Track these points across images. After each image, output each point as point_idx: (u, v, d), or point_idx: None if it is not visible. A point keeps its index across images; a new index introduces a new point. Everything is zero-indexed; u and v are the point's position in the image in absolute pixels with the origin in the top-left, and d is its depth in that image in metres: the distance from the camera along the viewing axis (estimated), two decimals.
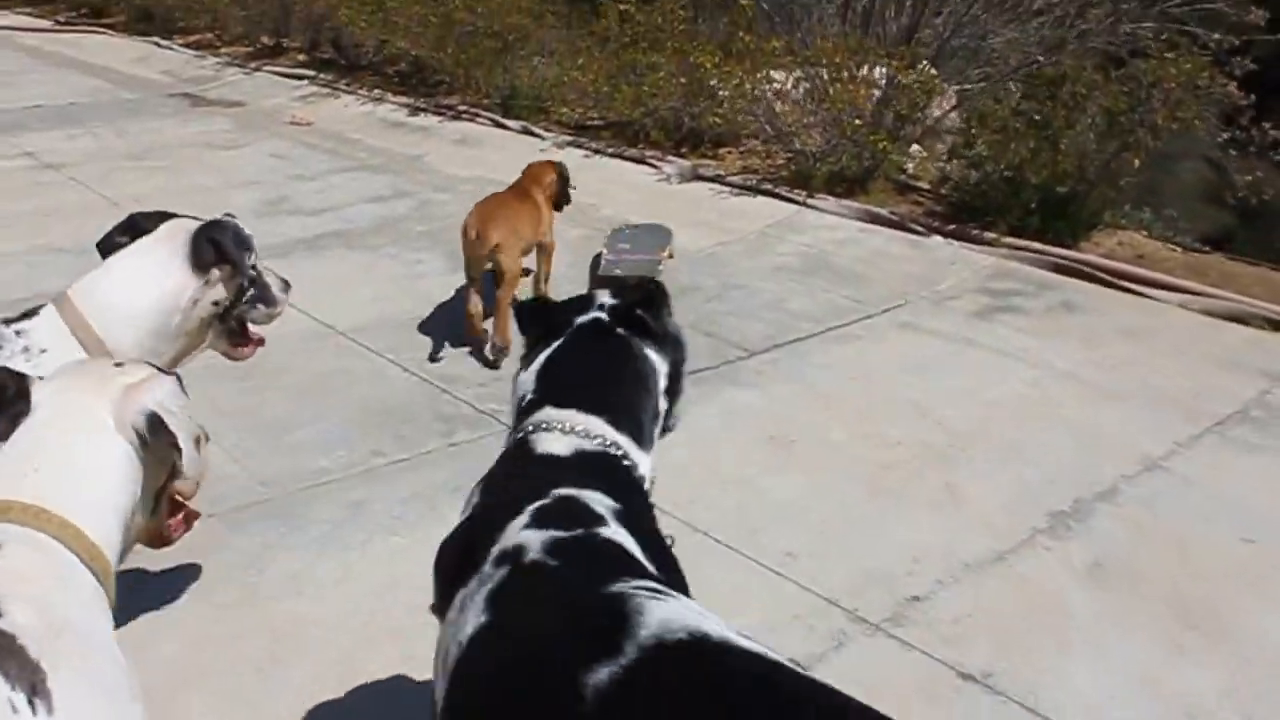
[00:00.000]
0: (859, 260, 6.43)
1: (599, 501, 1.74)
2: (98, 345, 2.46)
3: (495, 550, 1.63)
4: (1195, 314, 5.66)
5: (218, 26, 13.94)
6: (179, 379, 1.91)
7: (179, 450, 1.75)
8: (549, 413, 1.95)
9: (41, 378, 1.77)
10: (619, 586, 1.45)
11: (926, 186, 7.40)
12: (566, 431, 1.90)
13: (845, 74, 7.10)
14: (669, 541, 1.84)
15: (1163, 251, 6.48)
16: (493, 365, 5.07)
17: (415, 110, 10.14)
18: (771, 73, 8.12)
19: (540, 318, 2.16)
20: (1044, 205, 6.51)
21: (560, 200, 5.75)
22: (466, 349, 5.25)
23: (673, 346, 2.16)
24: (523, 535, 1.62)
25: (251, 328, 3.05)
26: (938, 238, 6.66)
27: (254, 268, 2.90)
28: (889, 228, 6.83)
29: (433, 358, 5.15)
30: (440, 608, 1.74)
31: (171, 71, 12.80)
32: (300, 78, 11.71)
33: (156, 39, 14.53)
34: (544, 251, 5.62)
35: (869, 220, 6.90)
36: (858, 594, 3.51)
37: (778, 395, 4.92)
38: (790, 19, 9.67)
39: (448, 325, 5.54)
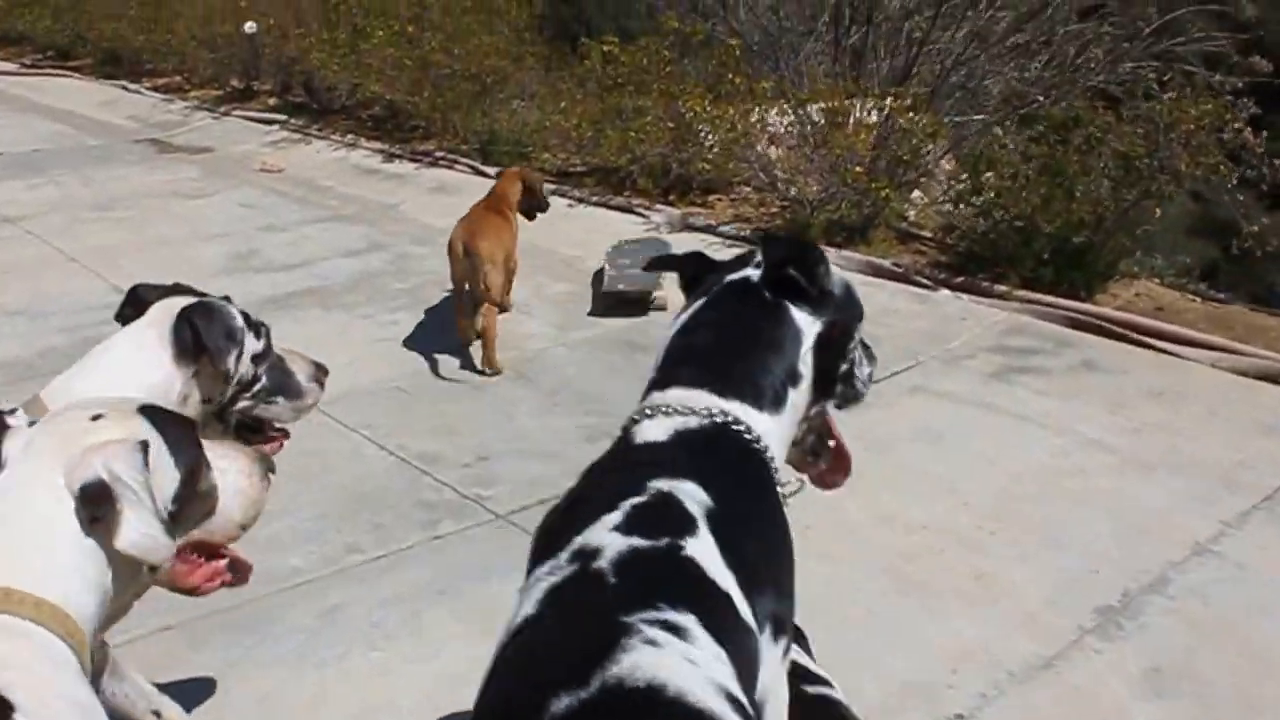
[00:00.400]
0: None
1: (694, 499, 1.68)
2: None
3: (577, 542, 1.60)
4: (1226, 373, 5.33)
5: (186, 69, 13.56)
6: (194, 425, 1.82)
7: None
8: (654, 398, 1.91)
9: (32, 422, 1.68)
10: (637, 618, 1.43)
11: (929, 235, 7.09)
12: (669, 414, 1.85)
13: (842, 118, 6.79)
14: (785, 503, 1.90)
15: (1181, 302, 6.17)
16: (482, 372, 5.37)
17: (390, 156, 9.78)
18: (765, 112, 7.82)
19: (696, 275, 2.11)
20: (1057, 255, 6.19)
21: (532, 210, 5.84)
22: (447, 422, 4.87)
23: (836, 307, 2.08)
24: (606, 537, 1.59)
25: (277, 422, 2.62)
26: (946, 291, 6.33)
27: (262, 356, 2.51)
28: (894, 280, 6.49)
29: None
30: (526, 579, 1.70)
31: (138, 116, 12.42)
32: (271, 122, 11.34)
33: (124, 82, 14.14)
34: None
35: (872, 273, 6.56)
36: (896, 713, 3.13)
37: (787, 471, 4.54)
38: (778, 58, 9.39)
39: (429, 394, 5.16)
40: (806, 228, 7.07)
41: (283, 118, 11.34)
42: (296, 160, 9.96)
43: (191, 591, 1.93)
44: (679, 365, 1.95)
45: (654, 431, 1.83)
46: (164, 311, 2.32)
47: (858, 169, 6.67)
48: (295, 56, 11.44)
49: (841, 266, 6.64)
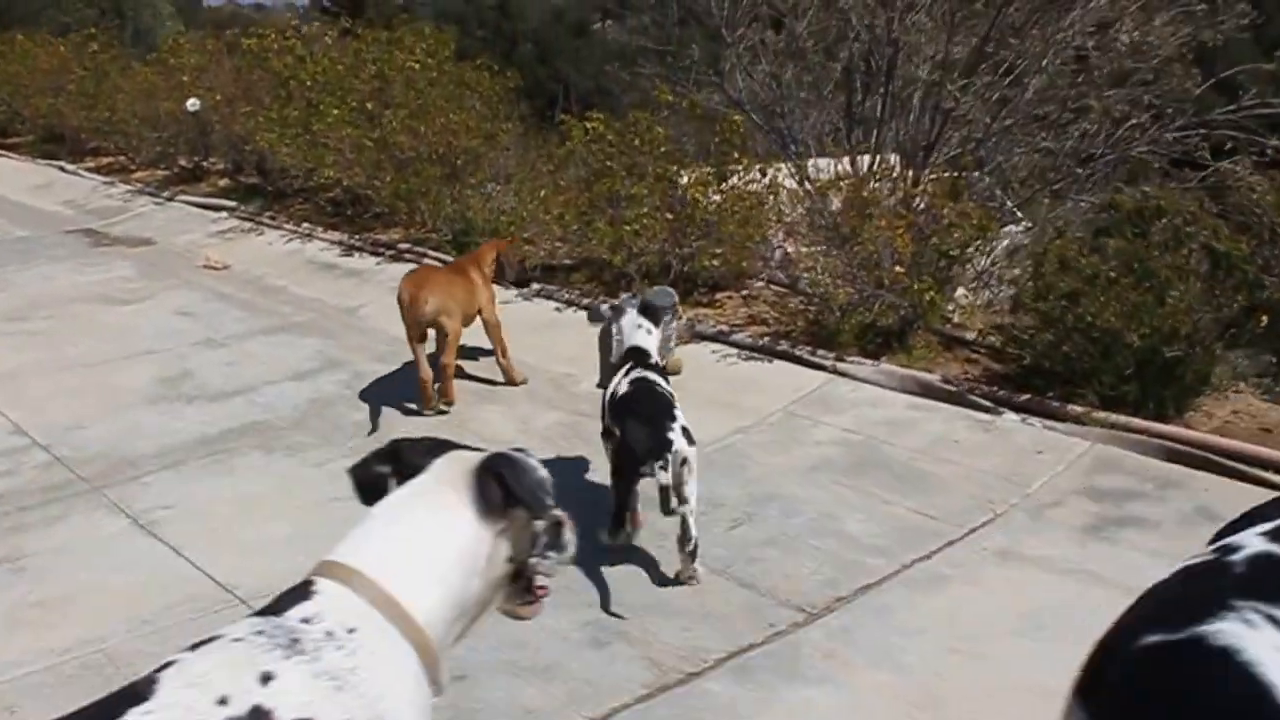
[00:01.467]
0: (919, 452, 5.04)
1: None
2: (404, 619, 1.83)
3: (1227, 539, 1.76)
4: None
5: (131, 149, 12.48)
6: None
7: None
8: None
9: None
10: (1246, 603, 1.56)
11: (977, 339, 6.08)
12: None
13: (874, 207, 5.80)
14: None
15: None
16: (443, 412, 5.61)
17: (349, 249, 8.72)
18: (777, 198, 6.83)
19: None
20: (1143, 370, 5.19)
21: (501, 273, 6.12)
22: None
23: None
24: (1250, 539, 1.71)
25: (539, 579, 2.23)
26: (1011, 415, 5.31)
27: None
28: (946, 402, 5.47)
29: None
30: None
31: (75, 201, 11.34)
32: (219, 209, 10.28)
33: (63, 163, 13.06)
34: (490, 328, 5.95)
35: (919, 391, 5.54)
36: None
37: (862, 691, 3.48)
38: (782, 130, 8.43)
39: None
40: (835, 334, 6.06)
41: (232, 204, 10.28)
42: (245, 254, 8.89)
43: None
44: None
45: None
46: (454, 464, 2.05)
47: (898, 269, 5.67)
48: (245, 135, 10.39)
49: (881, 383, 5.65)
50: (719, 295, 7.10)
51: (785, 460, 5.04)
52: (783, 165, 7.03)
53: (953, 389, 5.52)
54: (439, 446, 2.14)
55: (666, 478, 3.86)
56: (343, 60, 9.77)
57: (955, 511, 4.54)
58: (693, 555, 4.00)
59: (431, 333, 5.74)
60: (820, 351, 6.03)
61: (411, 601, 1.83)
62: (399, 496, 2.04)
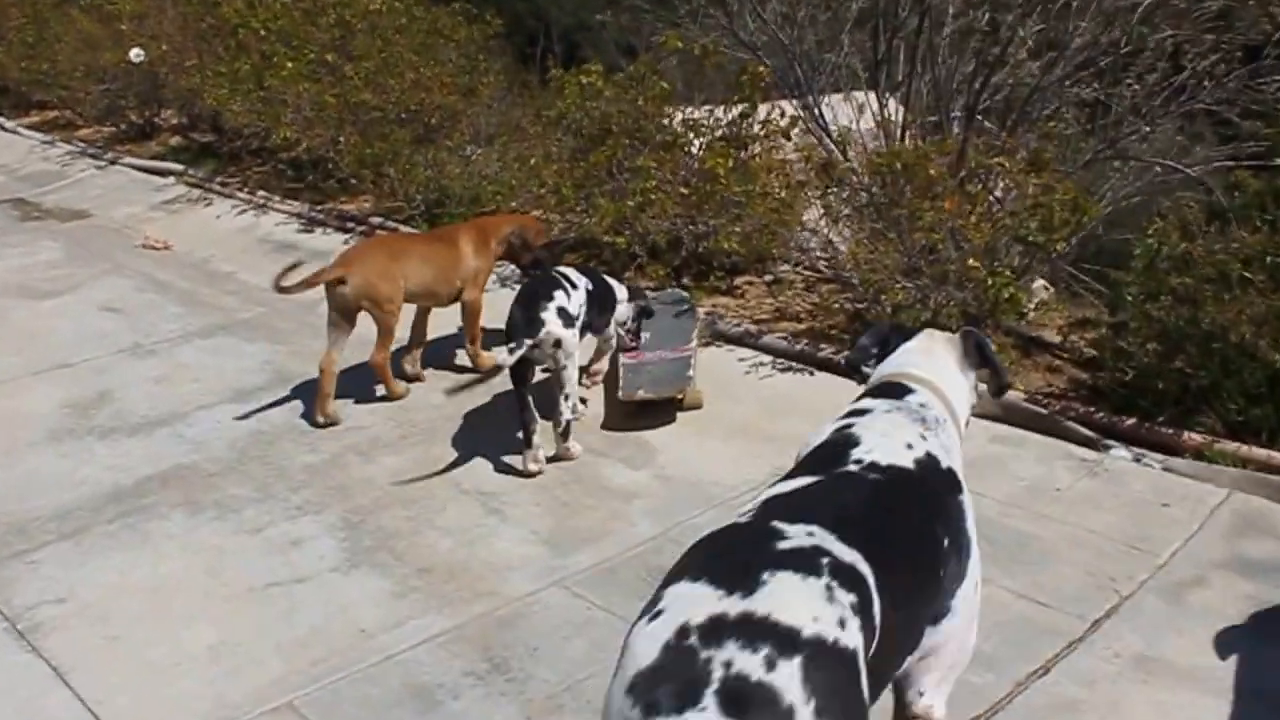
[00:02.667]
0: (1012, 505, 4.00)
1: None
2: (957, 422, 2.51)
3: None
4: None
5: (76, 103, 11.24)
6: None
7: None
8: None
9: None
10: None
11: (1057, 339, 5.03)
12: None
13: (943, 186, 4.69)
14: None
15: None
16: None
17: (310, 223, 7.61)
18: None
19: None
20: (1277, 389, 4.15)
21: (514, 255, 5.18)
22: None
23: None
24: None
25: None
26: (1119, 449, 4.27)
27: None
28: (1035, 430, 4.43)
29: None
30: None
31: (7, 166, 10.13)
32: (167, 173, 9.10)
33: (2, 119, 11.81)
34: (467, 309, 5.16)
35: (1000, 415, 4.49)
36: None
37: None
38: (799, 83, 7.24)
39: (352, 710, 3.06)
40: None
41: (180, 168, 9.10)
42: (191, 230, 7.76)
43: None
44: None
45: None
46: (935, 335, 2.69)
47: (971, 262, 4.58)
48: (195, 90, 9.18)
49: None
50: (739, 281, 6.02)
51: None
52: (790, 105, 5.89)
53: (1040, 411, 4.47)
54: (900, 327, 2.83)
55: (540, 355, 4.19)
56: (299, 5, 8.54)
57: (1070, 595, 3.52)
58: (565, 435, 4.36)
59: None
60: None
61: (960, 413, 2.51)
62: (919, 346, 2.61)
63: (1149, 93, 6.64)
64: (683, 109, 6.46)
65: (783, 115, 6.09)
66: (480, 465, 4.48)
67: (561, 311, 4.23)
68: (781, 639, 1.55)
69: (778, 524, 1.86)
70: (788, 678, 1.51)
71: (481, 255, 5.14)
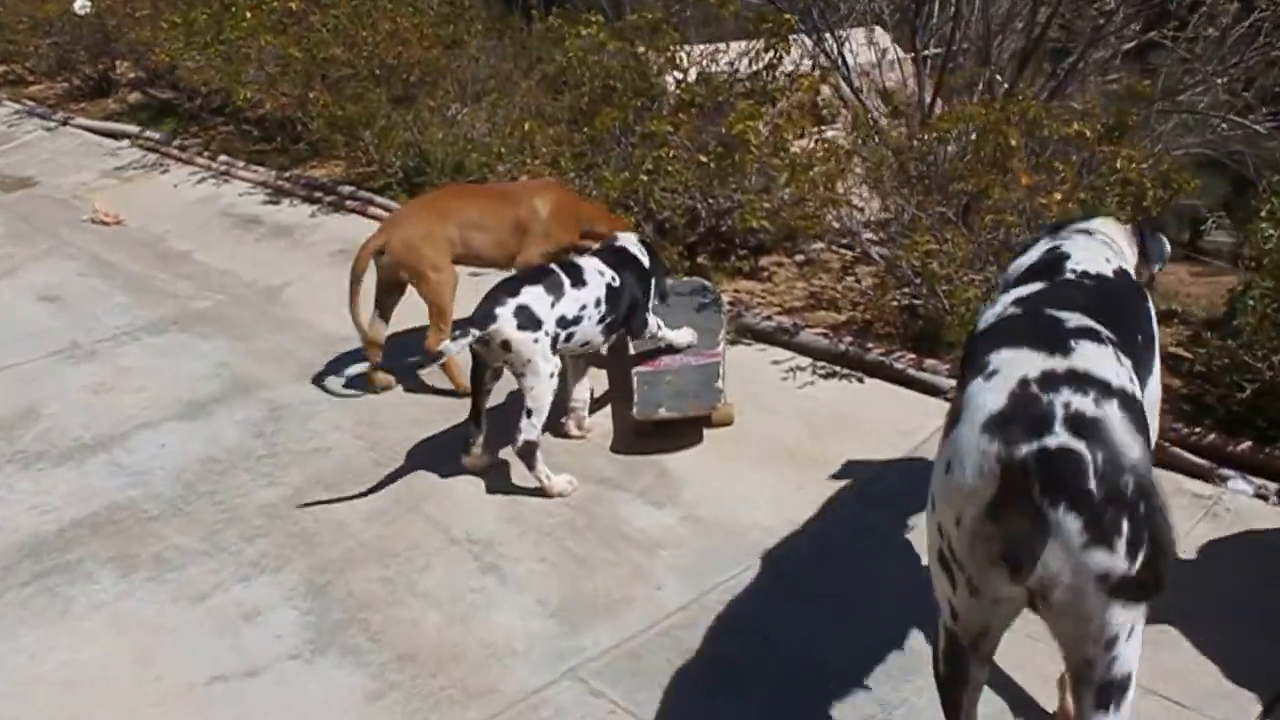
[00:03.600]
0: None
1: None
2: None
3: None
4: None
5: (24, 57, 10.34)
6: None
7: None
8: None
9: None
10: None
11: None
12: None
13: (1016, 162, 3.92)
14: None
15: None
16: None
17: (277, 193, 6.80)
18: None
19: None
20: None
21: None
22: None
23: None
24: None
25: None
26: (1238, 483, 3.55)
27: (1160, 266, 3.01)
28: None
29: None
30: None
31: None
32: (121, 135, 8.26)
33: None
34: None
35: None
36: None
37: None
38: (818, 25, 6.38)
39: None
40: (935, 335, 4.27)
41: (135, 129, 8.26)
42: (145, 201, 6.95)
43: None
44: None
45: None
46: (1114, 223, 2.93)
47: None
48: (149, 43, 8.31)
49: None
50: (765, 262, 5.26)
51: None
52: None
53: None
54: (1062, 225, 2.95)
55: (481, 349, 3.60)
56: None
57: (1208, 691, 2.81)
58: (528, 461, 3.65)
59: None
60: (929, 362, 4.24)
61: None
62: (1099, 220, 2.89)
63: (1221, 35, 5.85)
64: (686, 50, 5.65)
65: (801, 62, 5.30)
66: (472, 503, 3.75)
67: (522, 311, 3.57)
68: (1101, 387, 1.89)
69: (1050, 311, 2.17)
70: (1111, 413, 1.85)
71: (555, 226, 4.41)
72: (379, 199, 6.34)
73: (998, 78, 5.69)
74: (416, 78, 6.59)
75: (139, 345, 5.01)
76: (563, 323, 3.68)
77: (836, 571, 3.31)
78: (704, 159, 4.89)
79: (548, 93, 6.05)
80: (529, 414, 3.61)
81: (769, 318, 4.67)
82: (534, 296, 3.63)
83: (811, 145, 4.60)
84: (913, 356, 4.27)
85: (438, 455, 3.99)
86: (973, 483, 1.88)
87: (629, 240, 4.11)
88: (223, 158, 7.41)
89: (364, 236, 4.55)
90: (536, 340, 3.59)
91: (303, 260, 5.84)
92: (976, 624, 2.03)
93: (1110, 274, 2.49)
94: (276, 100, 6.92)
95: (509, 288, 3.66)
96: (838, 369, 4.35)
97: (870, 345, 4.40)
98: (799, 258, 5.22)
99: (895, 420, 4.01)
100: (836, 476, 3.74)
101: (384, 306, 4.41)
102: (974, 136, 3.93)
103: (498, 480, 3.82)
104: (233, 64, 7.07)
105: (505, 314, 3.57)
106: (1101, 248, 2.62)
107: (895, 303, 4.41)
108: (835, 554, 3.39)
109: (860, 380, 4.28)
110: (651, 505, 3.70)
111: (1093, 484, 1.80)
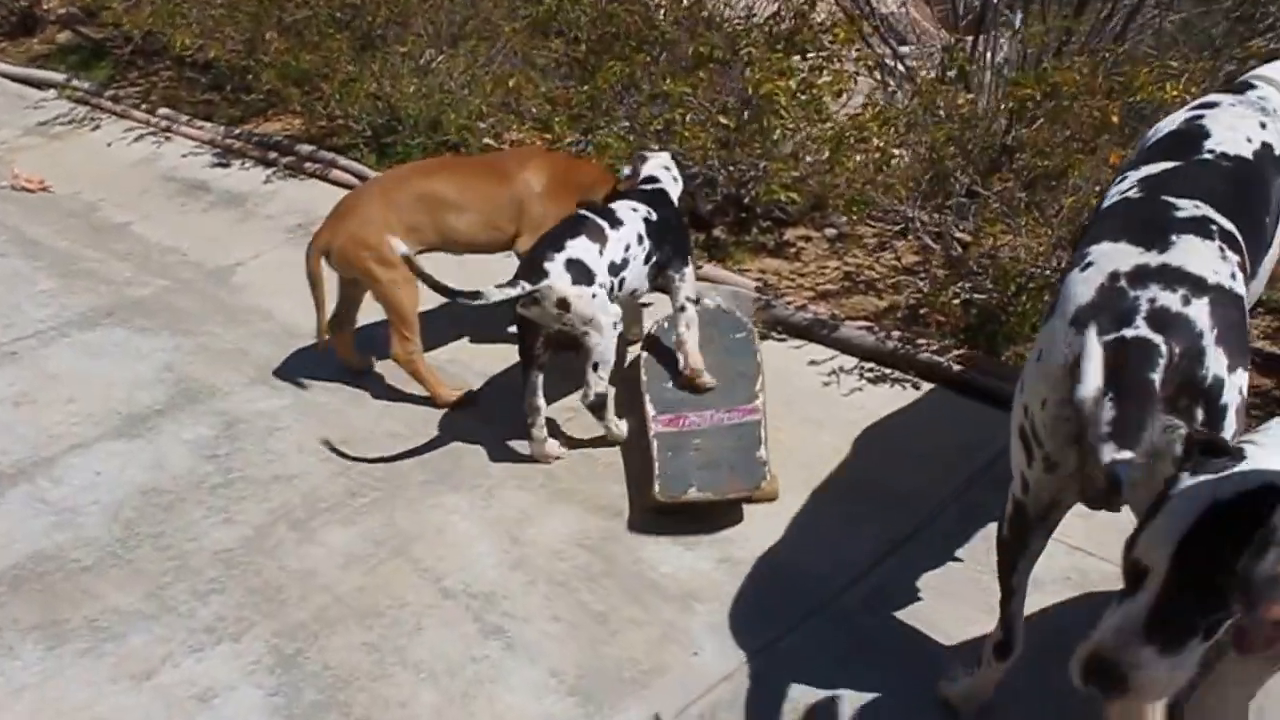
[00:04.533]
0: None
1: None
2: None
3: None
4: None
5: None
6: None
7: None
8: None
9: None
10: None
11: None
12: None
13: (1108, 133, 3.32)
14: None
15: None
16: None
17: (226, 153, 6.06)
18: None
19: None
20: None
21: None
22: None
23: None
24: None
25: None
26: None
27: None
28: None
29: None
30: None
31: None
32: (46, 85, 7.42)
33: None
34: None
35: None
36: None
37: None
38: None
39: None
40: (993, 331, 3.70)
41: (62, 78, 7.41)
42: (75, 163, 6.17)
43: None
44: None
45: None
46: None
47: None
48: None
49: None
50: (790, 235, 4.65)
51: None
52: None
53: None
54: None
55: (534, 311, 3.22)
56: None
57: None
58: (598, 411, 3.40)
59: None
60: (989, 361, 3.67)
61: None
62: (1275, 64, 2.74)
63: None
64: None
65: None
66: (468, 544, 3.16)
67: (574, 265, 3.22)
68: (1193, 283, 1.93)
69: (1167, 198, 2.17)
70: (1199, 310, 1.91)
71: (551, 199, 3.82)
72: (342, 160, 5.63)
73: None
74: (384, 19, 5.84)
75: (68, 344, 4.31)
76: (613, 269, 3.33)
77: (904, 628, 2.75)
78: (723, 120, 4.24)
79: (535, 38, 5.33)
80: (595, 367, 3.32)
81: (803, 307, 4.06)
82: (582, 249, 3.27)
83: (859, 110, 3.96)
84: (968, 353, 3.69)
85: (423, 481, 3.39)
86: (1059, 371, 1.95)
87: (657, 166, 3.71)
88: (164, 111, 6.62)
89: (327, 208, 3.89)
90: (595, 295, 3.25)
91: (257, 235, 5.14)
92: (1046, 498, 2.12)
93: (1250, 155, 2.37)
94: (222, 47, 6.14)
95: (553, 242, 3.27)
96: (886, 370, 3.76)
97: (921, 342, 3.81)
98: (829, 231, 4.61)
99: (957, 435, 3.44)
100: (893, 508, 3.17)
101: (347, 307, 3.81)
102: (1064, 104, 3.31)
103: (499, 508, 3.22)
104: (169, 3, 6.27)
105: (557, 269, 3.19)
106: (1251, 116, 2.49)
107: (956, 299, 3.81)
108: (892, 587, 2.85)
109: (915, 386, 3.69)
110: (682, 545, 3.12)
111: (1157, 374, 1.84)
